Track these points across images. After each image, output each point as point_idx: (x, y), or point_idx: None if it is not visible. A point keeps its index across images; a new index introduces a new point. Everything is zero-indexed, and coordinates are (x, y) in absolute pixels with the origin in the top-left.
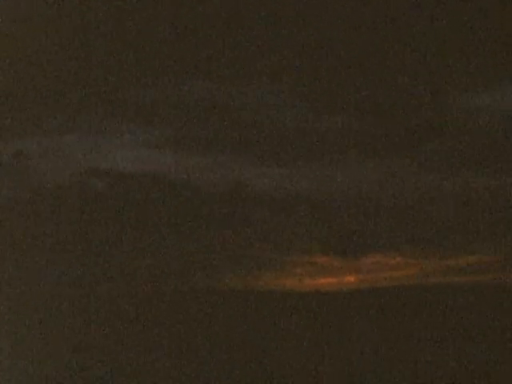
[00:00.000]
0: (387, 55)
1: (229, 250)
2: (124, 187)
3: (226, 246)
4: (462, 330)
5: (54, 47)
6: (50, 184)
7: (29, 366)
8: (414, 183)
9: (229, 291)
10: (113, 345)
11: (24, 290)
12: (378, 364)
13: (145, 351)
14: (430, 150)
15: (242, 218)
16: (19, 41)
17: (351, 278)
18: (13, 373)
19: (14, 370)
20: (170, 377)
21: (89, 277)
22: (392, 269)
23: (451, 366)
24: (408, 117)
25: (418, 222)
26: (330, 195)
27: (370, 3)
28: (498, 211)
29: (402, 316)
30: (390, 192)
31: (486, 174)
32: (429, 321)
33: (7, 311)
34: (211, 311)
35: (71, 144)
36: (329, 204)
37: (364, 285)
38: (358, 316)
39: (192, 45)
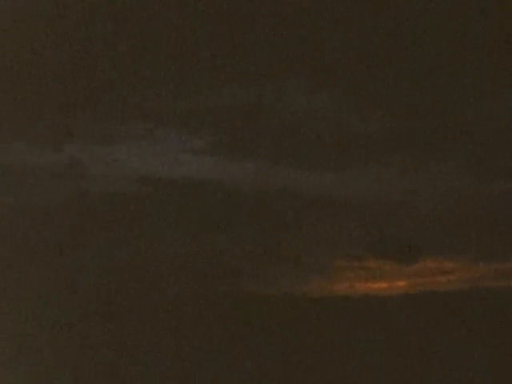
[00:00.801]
0: (434, 58)
1: (278, 256)
2: (172, 194)
3: (275, 252)
4: None
5: (94, 57)
6: (102, 192)
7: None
8: (465, 187)
9: (279, 297)
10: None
11: (75, 297)
12: (430, 368)
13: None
14: (478, 153)
15: (290, 223)
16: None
17: (402, 283)
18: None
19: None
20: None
21: (136, 280)
22: (443, 273)
23: (509, 372)
24: (455, 120)
25: (470, 226)
26: (379, 199)
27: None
28: None
29: (454, 320)
30: (441, 196)
31: None
32: (483, 326)
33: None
34: (261, 317)
35: (122, 152)
36: (378, 208)
37: (415, 289)
38: (410, 321)
39: (233, 51)
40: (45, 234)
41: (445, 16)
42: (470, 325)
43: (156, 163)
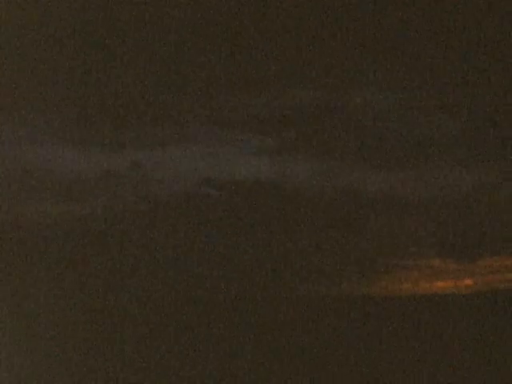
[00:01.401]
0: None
1: (343, 256)
2: (237, 196)
3: (341, 252)
4: None
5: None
6: (166, 194)
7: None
8: None
9: (344, 297)
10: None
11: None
12: (497, 367)
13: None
14: None
15: (355, 223)
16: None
17: (468, 281)
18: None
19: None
20: None
21: (206, 282)
22: (509, 270)
23: None
24: None
25: None
26: (443, 198)
27: None
28: None
29: None
30: (504, 193)
31: None
32: None
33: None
34: (326, 318)
35: (185, 154)
36: (443, 207)
37: (481, 287)
38: (477, 319)
39: (300, 50)
40: (109, 239)
41: None
42: None
43: (219, 165)
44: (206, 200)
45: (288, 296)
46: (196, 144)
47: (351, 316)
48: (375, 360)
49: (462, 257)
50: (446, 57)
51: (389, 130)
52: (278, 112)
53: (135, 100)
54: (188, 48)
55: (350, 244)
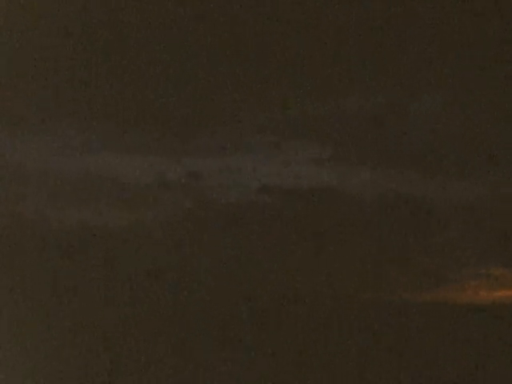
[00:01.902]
0: None
1: (401, 264)
2: (295, 204)
3: (399, 261)
4: None
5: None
6: (222, 202)
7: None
8: None
9: (402, 305)
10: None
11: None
12: None
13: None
14: None
15: (413, 230)
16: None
17: None
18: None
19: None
20: None
21: (262, 287)
22: None
23: None
24: None
25: None
26: (502, 204)
27: None
28: None
29: None
30: None
31: None
32: None
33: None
34: (385, 325)
35: (242, 163)
36: (503, 215)
37: None
38: None
39: (358, 55)
40: (164, 247)
41: None
42: None
43: (276, 173)
44: (263, 208)
45: (346, 304)
46: (253, 152)
47: (410, 325)
48: (431, 368)
49: None
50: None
51: (449, 136)
52: (335, 119)
53: (191, 107)
54: (245, 55)
55: (410, 252)
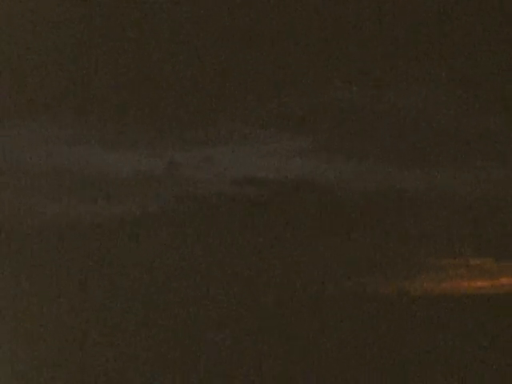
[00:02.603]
0: None
1: (381, 254)
2: (273, 195)
3: (379, 250)
4: None
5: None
6: (203, 194)
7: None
8: None
9: (380, 296)
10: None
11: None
12: None
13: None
14: None
15: (394, 221)
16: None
17: (506, 280)
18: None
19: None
20: None
21: (250, 277)
22: None
23: None
24: None
25: None
26: (484, 197)
27: None
28: None
29: None
30: None
31: None
32: None
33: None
34: (362, 317)
35: (223, 154)
36: (483, 205)
37: None
38: None
39: (335, 49)
40: (145, 238)
41: None
42: None
43: (257, 164)
44: (242, 199)
45: (320, 293)
46: (234, 144)
47: (386, 315)
48: (409, 356)
49: (501, 256)
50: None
51: (426, 128)
52: (314, 112)
53: (174, 101)
54: (225, 50)
55: (388, 243)
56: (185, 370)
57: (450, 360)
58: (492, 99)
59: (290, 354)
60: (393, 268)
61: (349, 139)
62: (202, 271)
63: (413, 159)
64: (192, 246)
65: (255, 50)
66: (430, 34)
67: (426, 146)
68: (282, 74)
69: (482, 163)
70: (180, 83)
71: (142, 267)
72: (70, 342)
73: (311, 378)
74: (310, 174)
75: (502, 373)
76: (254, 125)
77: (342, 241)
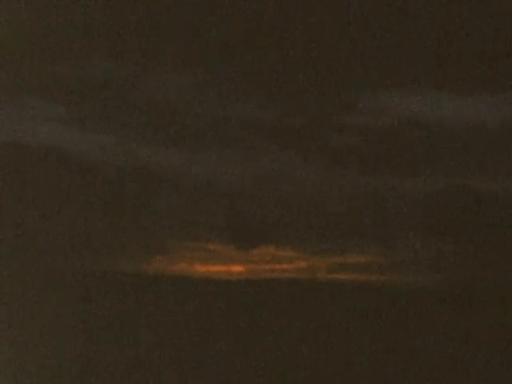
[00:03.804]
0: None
1: (121, 233)
2: (29, 159)
3: (119, 229)
4: (344, 329)
5: None
6: None
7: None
8: (312, 178)
9: (119, 274)
10: None
11: None
12: (259, 353)
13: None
14: (330, 146)
15: (138, 201)
16: None
17: (240, 268)
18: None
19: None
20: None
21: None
22: (281, 262)
23: (321, 364)
24: (312, 112)
25: (313, 218)
26: (230, 183)
27: None
28: (388, 213)
29: (285, 309)
30: (288, 185)
31: (382, 174)
32: (312, 316)
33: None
34: (101, 294)
35: None
36: (229, 192)
37: (252, 275)
38: (245, 306)
39: (100, 23)
40: None
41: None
42: (304, 314)
43: (15, 129)
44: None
45: (60, 270)
46: None
47: (124, 293)
48: (140, 337)
49: (238, 243)
50: (246, 47)
51: (184, 111)
52: (72, 82)
53: None
54: None
55: (128, 221)
56: None
57: (180, 342)
58: (240, 89)
59: None
60: (132, 247)
61: (105, 113)
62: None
63: (166, 140)
64: None
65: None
66: (193, 21)
67: (181, 128)
68: (40, 41)
69: (230, 150)
70: None
71: None
72: None
73: None
74: (62, 142)
75: (226, 359)
76: (15, 92)
77: (80, 215)
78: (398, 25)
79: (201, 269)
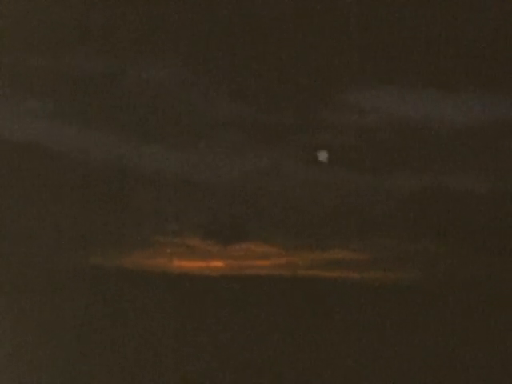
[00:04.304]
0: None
1: (101, 228)
2: (7, 155)
3: (99, 223)
4: (325, 326)
5: None
6: None
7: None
8: (293, 175)
9: (98, 269)
10: None
11: None
12: (230, 351)
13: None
14: (311, 143)
15: (118, 195)
16: None
17: (219, 263)
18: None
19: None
20: None
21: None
22: (260, 258)
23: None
24: (295, 109)
25: (293, 214)
26: (211, 179)
27: None
28: (370, 210)
29: (265, 305)
30: (271, 182)
31: (367, 171)
32: (292, 313)
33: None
34: (78, 289)
35: None
36: (209, 188)
37: (231, 271)
38: (223, 302)
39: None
40: None
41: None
42: (284, 312)
43: (3, 126)
44: None
45: (38, 267)
46: None
47: (102, 288)
48: (122, 332)
49: (217, 238)
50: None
51: (167, 107)
52: (52, 76)
53: None
54: None
55: (108, 216)
56: None
57: (157, 336)
58: (228, 87)
59: None
60: (110, 242)
61: (84, 107)
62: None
63: (148, 136)
64: None
65: None
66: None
67: (163, 124)
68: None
69: (213, 147)
70: None
71: None
72: None
73: None
74: (40, 136)
75: (204, 354)
76: (1, 87)
77: (59, 210)
78: (387, 22)
79: (180, 264)
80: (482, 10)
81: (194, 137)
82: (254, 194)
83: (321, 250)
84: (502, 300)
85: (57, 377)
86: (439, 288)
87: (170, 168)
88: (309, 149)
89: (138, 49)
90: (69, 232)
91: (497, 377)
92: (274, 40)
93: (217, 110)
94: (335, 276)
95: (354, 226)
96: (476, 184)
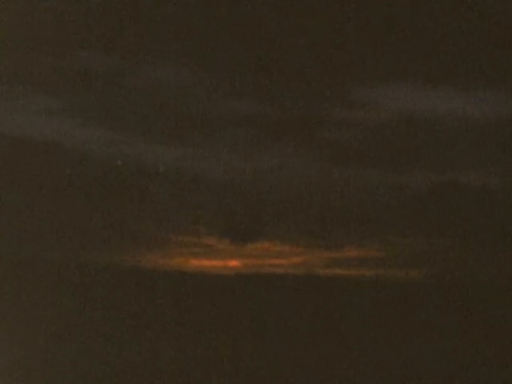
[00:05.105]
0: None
1: (116, 227)
2: (22, 153)
3: (114, 222)
4: (341, 324)
5: None
6: None
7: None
8: (307, 172)
9: (114, 269)
10: None
11: None
12: (246, 350)
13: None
14: (324, 140)
15: (133, 194)
16: None
17: (236, 262)
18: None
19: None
20: None
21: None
22: (277, 256)
23: (319, 359)
24: (305, 105)
25: (308, 212)
26: (225, 178)
27: None
28: (384, 208)
29: (281, 304)
30: (285, 180)
31: (379, 168)
32: (308, 311)
33: None
34: (96, 288)
35: None
36: (223, 187)
37: (248, 270)
38: (240, 301)
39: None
40: None
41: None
42: (300, 310)
43: (13, 123)
44: None
45: (49, 263)
46: None
47: (118, 287)
48: (137, 333)
49: (233, 238)
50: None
51: (178, 106)
52: (61, 74)
53: None
54: None
55: (123, 215)
56: None
57: (178, 339)
58: (235, 85)
59: None
60: (126, 241)
61: (96, 105)
62: None
63: (160, 135)
64: None
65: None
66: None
67: (176, 123)
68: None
69: (225, 146)
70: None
71: None
72: None
73: None
74: (53, 134)
75: (216, 354)
76: (12, 85)
77: (73, 210)
78: (391, 18)
79: (196, 263)
80: (495, 7)
81: (209, 136)
82: (268, 192)
83: (336, 249)
84: None
85: (61, 376)
86: (456, 285)
87: (186, 167)
88: (324, 147)
89: (151, 49)
90: (84, 231)
91: None
92: (283, 37)
93: (228, 109)
94: (351, 274)
95: (369, 223)
96: (488, 180)
